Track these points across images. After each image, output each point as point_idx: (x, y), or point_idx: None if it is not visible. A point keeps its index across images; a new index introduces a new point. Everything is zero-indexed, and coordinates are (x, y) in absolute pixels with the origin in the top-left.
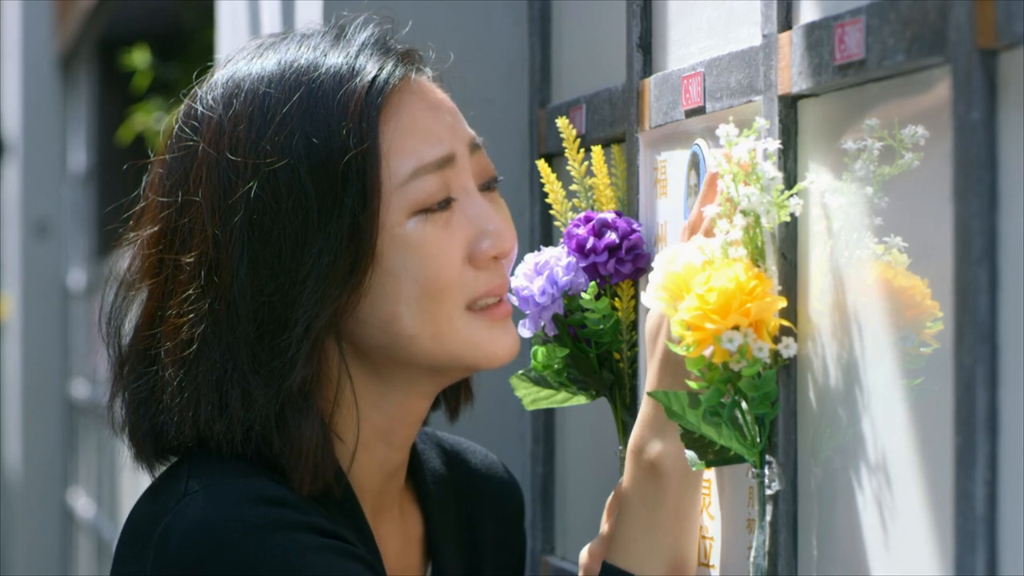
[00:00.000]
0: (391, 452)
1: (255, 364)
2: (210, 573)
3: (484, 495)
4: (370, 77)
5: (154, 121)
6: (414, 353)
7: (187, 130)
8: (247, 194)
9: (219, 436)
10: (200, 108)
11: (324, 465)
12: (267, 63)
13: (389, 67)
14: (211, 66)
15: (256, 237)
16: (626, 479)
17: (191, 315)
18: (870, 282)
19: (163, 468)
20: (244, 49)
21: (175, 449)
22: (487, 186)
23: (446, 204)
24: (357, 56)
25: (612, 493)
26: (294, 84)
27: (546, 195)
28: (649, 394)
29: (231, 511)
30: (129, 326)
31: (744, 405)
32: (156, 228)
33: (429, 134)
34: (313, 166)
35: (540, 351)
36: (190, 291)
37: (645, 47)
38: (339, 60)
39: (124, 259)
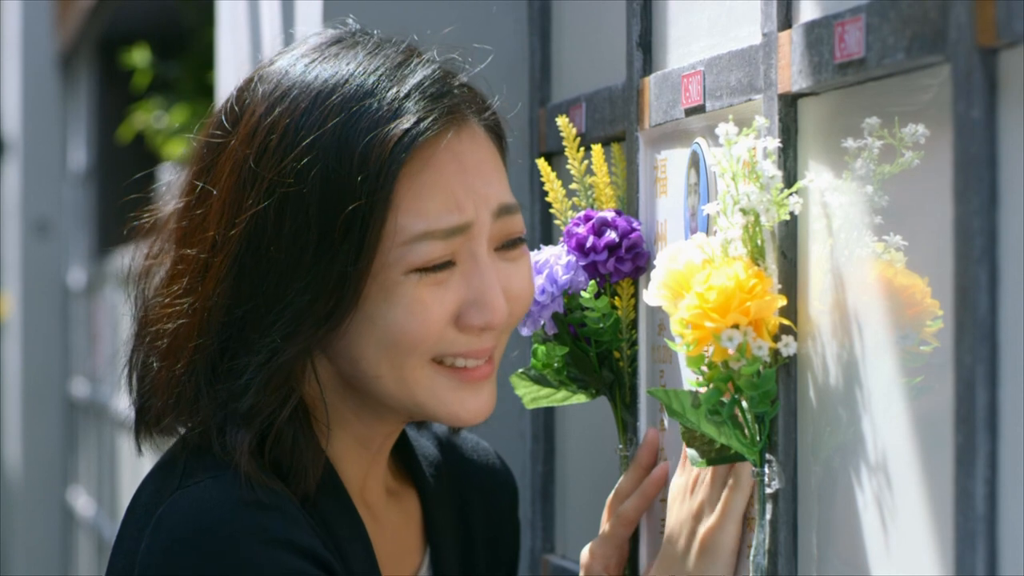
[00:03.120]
0: (369, 454)
1: (211, 377)
2: (188, 572)
3: (478, 482)
4: (406, 125)
5: (154, 120)
6: (381, 392)
7: (231, 114)
8: (255, 208)
9: (165, 426)
10: (249, 96)
11: (309, 468)
12: (323, 73)
13: (430, 119)
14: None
15: (249, 253)
16: None
17: (170, 310)
18: (870, 280)
19: (164, 444)
20: (316, 37)
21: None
22: (511, 243)
23: (445, 266)
24: (406, 98)
25: (612, 492)
26: (336, 109)
27: (546, 194)
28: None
29: (217, 514)
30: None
31: (744, 404)
32: (181, 206)
33: (449, 199)
34: (323, 203)
35: (540, 349)
36: (175, 287)
37: (645, 46)
38: (388, 96)
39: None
